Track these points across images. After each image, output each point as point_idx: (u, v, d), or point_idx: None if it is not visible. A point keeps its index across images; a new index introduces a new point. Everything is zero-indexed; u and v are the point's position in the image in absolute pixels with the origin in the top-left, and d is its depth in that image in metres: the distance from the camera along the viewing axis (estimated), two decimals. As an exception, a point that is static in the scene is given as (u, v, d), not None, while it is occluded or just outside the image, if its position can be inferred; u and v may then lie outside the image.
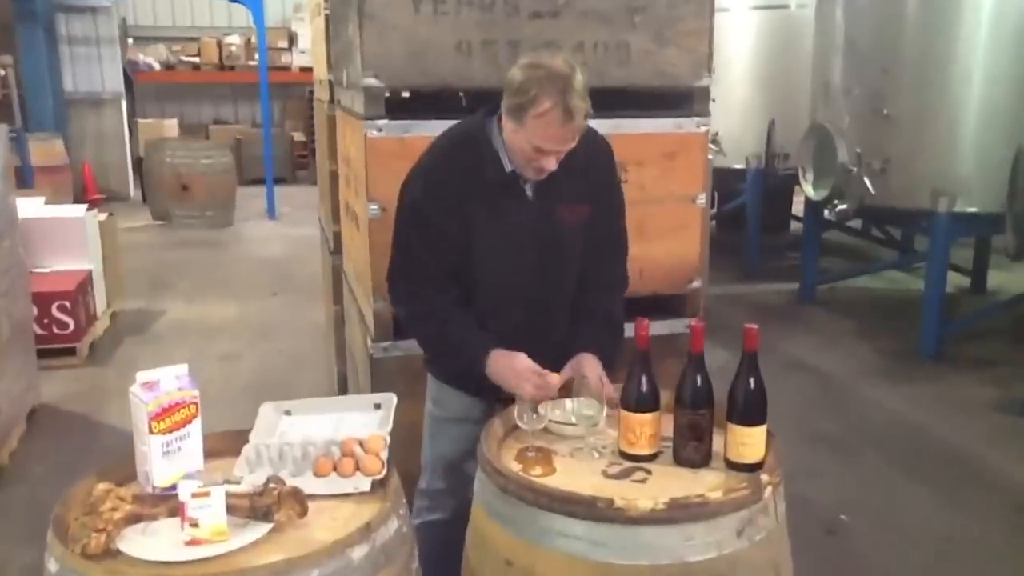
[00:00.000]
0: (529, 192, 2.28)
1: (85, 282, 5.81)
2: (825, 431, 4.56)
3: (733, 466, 1.97)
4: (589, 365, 2.24)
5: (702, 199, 3.46)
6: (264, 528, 1.68)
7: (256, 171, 12.12)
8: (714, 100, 7.67)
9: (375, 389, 3.35)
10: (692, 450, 1.98)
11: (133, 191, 12.51)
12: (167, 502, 1.68)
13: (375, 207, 3.13)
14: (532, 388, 2.12)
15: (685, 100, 3.36)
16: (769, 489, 1.85)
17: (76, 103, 12.03)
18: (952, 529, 3.59)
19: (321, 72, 5.07)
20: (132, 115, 13.99)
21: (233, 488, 1.72)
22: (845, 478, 4.06)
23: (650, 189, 3.37)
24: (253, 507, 1.69)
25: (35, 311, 5.27)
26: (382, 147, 3.09)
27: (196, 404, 1.87)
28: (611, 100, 3.53)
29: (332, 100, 4.39)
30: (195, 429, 1.88)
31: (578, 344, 2.31)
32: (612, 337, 2.39)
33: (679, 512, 1.75)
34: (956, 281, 6.95)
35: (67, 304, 5.44)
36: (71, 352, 5.51)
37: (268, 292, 7.40)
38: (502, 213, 2.26)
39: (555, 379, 2.15)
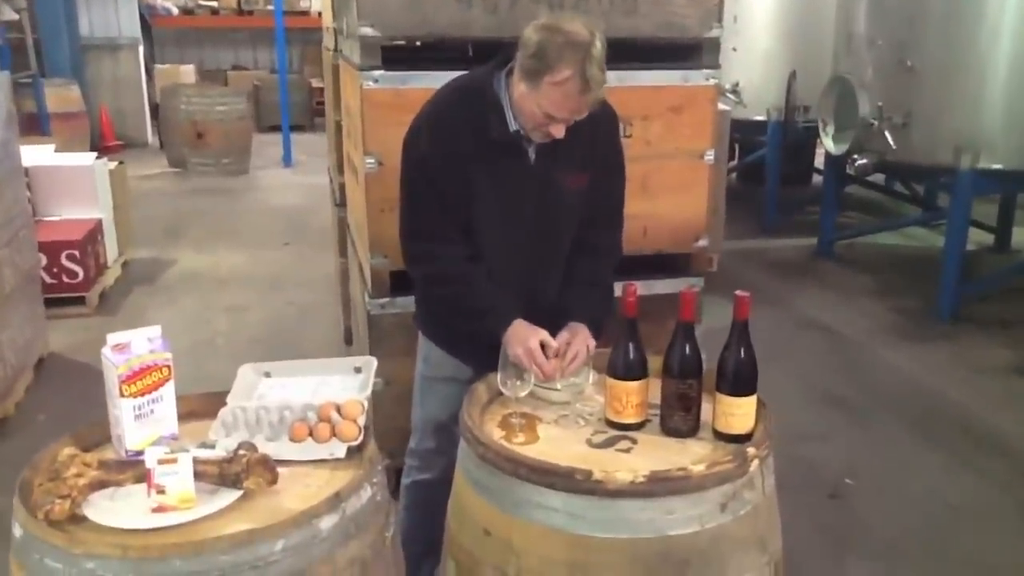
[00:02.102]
0: (532, 155, 2.20)
1: (95, 231, 5.80)
2: (835, 392, 4.49)
3: (721, 437, 1.91)
4: (580, 337, 2.17)
5: (710, 155, 3.36)
6: (233, 495, 1.64)
7: (275, 118, 11.99)
8: (735, 49, 7.56)
9: (373, 345, 3.32)
10: (679, 420, 1.92)
11: (151, 138, 12.47)
12: (134, 468, 1.64)
13: (372, 161, 3.06)
14: (532, 366, 2.06)
15: (694, 52, 3.26)
16: (756, 462, 1.79)
17: (93, 48, 11.94)
18: (959, 496, 3.53)
19: (328, 19, 4.97)
20: (151, 60, 13.90)
21: (201, 454, 1.68)
22: (853, 441, 3.99)
23: (656, 144, 3.28)
24: (222, 474, 1.65)
25: (44, 260, 5.27)
26: (378, 99, 3.02)
27: (169, 367, 1.83)
28: (616, 51, 3.42)
29: (336, 49, 4.30)
30: (168, 392, 1.84)
31: (570, 310, 2.25)
32: (603, 304, 2.34)
33: (660, 485, 1.70)
34: (979, 238, 6.80)
35: (76, 253, 5.43)
36: (81, 301, 5.51)
37: (280, 242, 7.36)
38: (503, 174, 2.19)
39: (552, 371, 2.08)
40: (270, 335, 5.22)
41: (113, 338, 1.79)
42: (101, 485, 1.62)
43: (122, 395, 1.77)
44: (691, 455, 1.87)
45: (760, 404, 1.93)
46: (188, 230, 7.79)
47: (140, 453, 1.73)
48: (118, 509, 1.61)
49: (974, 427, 4.12)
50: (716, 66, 3.27)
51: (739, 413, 1.88)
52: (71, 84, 10.72)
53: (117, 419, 1.80)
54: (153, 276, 6.43)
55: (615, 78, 3.12)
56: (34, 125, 10.13)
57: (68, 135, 9.72)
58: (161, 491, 1.59)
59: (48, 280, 5.30)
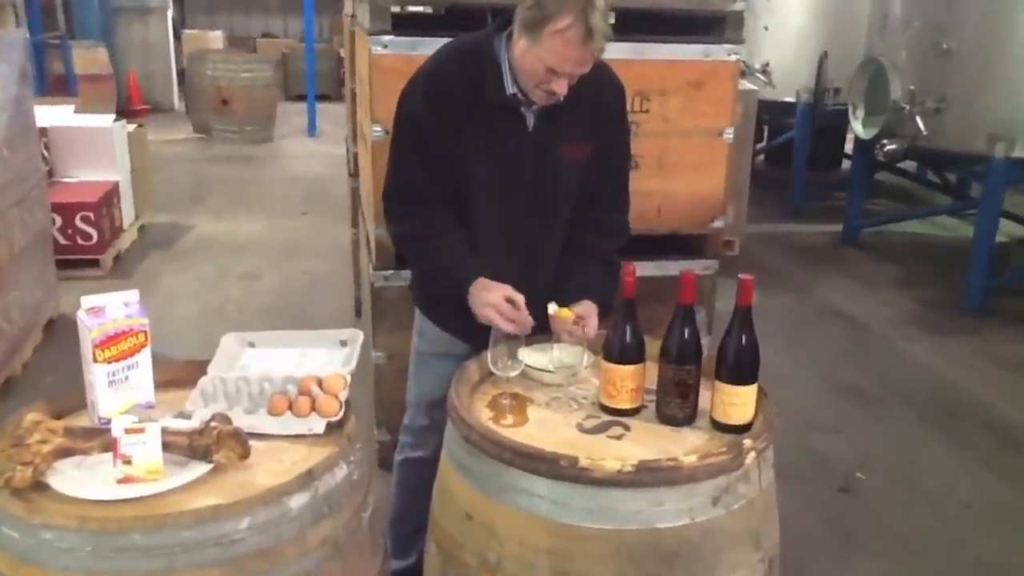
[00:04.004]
0: (530, 123, 2.11)
1: (111, 193, 5.77)
2: (852, 383, 4.37)
3: (719, 426, 1.82)
4: (588, 313, 2.08)
5: (730, 133, 3.25)
6: (203, 468, 1.58)
7: (302, 87, 11.94)
8: (766, 28, 7.39)
9: (376, 318, 3.26)
10: (675, 407, 1.83)
11: (177, 103, 12.45)
12: (101, 436, 1.58)
13: (378, 129, 2.98)
14: (502, 321, 1.97)
15: (716, 25, 3.14)
16: (752, 455, 1.70)
17: (122, 11, 11.90)
18: (975, 495, 3.41)
19: (348, -15, 4.88)
20: (180, 25, 13.86)
21: (172, 425, 1.62)
22: (867, 434, 3.88)
23: (673, 121, 3.17)
24: (192, 446, 1.59)
25: (58, 221, 5.26)
26: (387, 64, 2.93)
27: (145, 332, 1.77)
28: (634, 22, 3.31)
29: (353, 14, 4.21)
30: (144, 359, 1.77)
31: (577, 288, 2.16)
32: (611, 282, 2.24)
33: (648, 476, 1.62)
34: (1010, 230, 6.61)
35: (91, 215, 5.41)
36: (95, 264, 5.49)
37: (299, 211, 7.32)
38: (498, 139, 2.10)
39: (527, 321, 2.00)
40: (281, 304, 5.17)
41: (87, 301, 1.73)
42: (66, 453, 1.56)
43: (95, 360, 1.71)
44: (685, 445, 1.78)
45: (761, 394, 1.84)
46: (208, 196, 7.76)
47: (107, 422, 1.67)
48: (84, 478, 1.56)
49: (995, 423, 4.00)
50: (739, 41, 3.15)
51: (738, 403, 1.79)
52: (99, 46, 10.69)
53: (91, 385, 1.74)
54: (170, 241, 6.41)
55: (632, 50, 3.05)
56: (61, 86, 10.14)
57: (95, 97, 9.69)
58: (127, 461, 1.53)
59: (62, 241, 5.29)
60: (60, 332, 4.61)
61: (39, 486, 1.53)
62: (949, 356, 4.73)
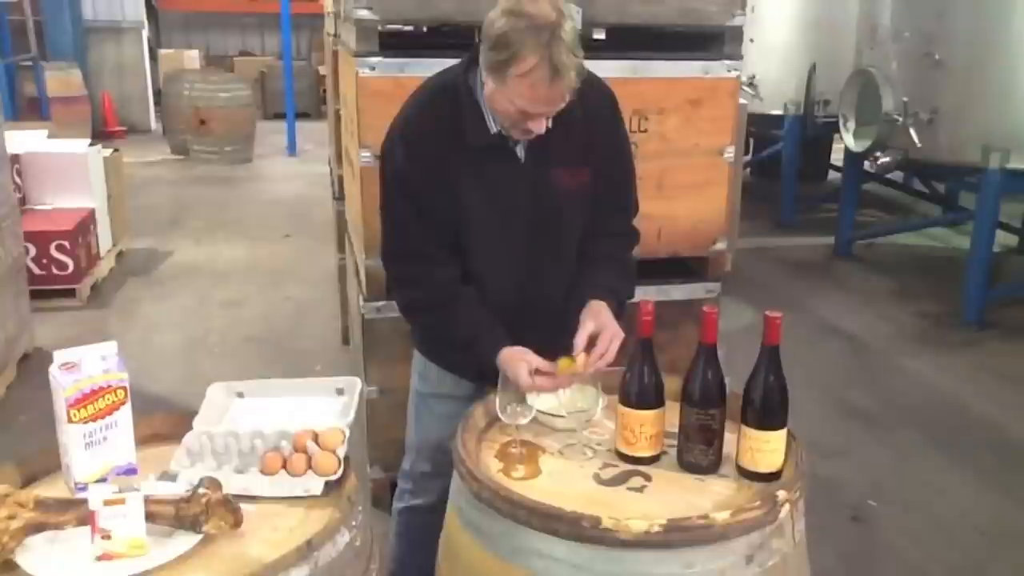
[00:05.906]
0: (521, 153, 1.97)
1: (87, 221, 5.60)
2: (855, 404, 4.26)
3: (746, 474, 1.69)
4: (601, 316, 1.94)
5: (730, 152, 3.14)
6: (191, 540, 1.44)
7: (281, 105, 11.79)
8: (752, 41, 7.33)
9: (367, 351, 3.13)
10: (699, 454, 1.71)
11: (154, 124, 12.28)
12: (77, 508, 1.44)
13: (367, 154, 2.86)
14: (545, 387, 1.86)
15: (715, 41, 3.04)
16: (786, 507, 1.57)
17: (96, 31, 11.74)
18: (991, 520, 3.30)
19: (328, 3, 4.76)
20: (156, 44, 13.69)
21: (156, 492, 1.48)
22: (875, 458, 3.76)
23: (673, 140, 3.06)
24: (179, 516, 1.44)
25: (32, 251, 5.09)
26: (375, 87, 2.81)
27: (125, 389, 1.62)
28: (631, 39, 3.21)
29: (336, 34, 4.09)
30: (124, 417, 1.63)
31: (584, 289, 2.02)
32: (622, 277, 2.11)
33: (678, 535, 1.49)
34: (1003, 240, 6.55)
35: (66, 244, 5.23)
36: (71, 294, 5.32)
37: (281, 234, 7.16)
38: (490, 178, 1.96)
39: (554, 384, 1.88)
40: (265, 333, 5.01)
41: (61, 356, 1.59)
42: (37, 529, 1.41)
43: (70, 420, 1.56)
44: (712, 496, 1.65)
45: (790, 438, 1.72)
46: (187, 220, 7.59)
47: (83, 490, 1.53)
48: (58, 556, 1.41)
49: (1006, 443, 3.89)
50: (739, 57, 3.05)
51: (767, 449, 1.67)
52: (72, 68, 10.53)
53: (65, 447, 1.59)
54: (148, 268, 6.24)
55: (630, 68, 2.94)
56: (34, 109, 9.96)
57: (69, 120, 9.53)
58: (107, 536, 1.39)
59: (37, 271, 5.12)
60: (35, 367, 4.42)
61: (7, 566, 1.38)
62: (952, 372, 4.63)
